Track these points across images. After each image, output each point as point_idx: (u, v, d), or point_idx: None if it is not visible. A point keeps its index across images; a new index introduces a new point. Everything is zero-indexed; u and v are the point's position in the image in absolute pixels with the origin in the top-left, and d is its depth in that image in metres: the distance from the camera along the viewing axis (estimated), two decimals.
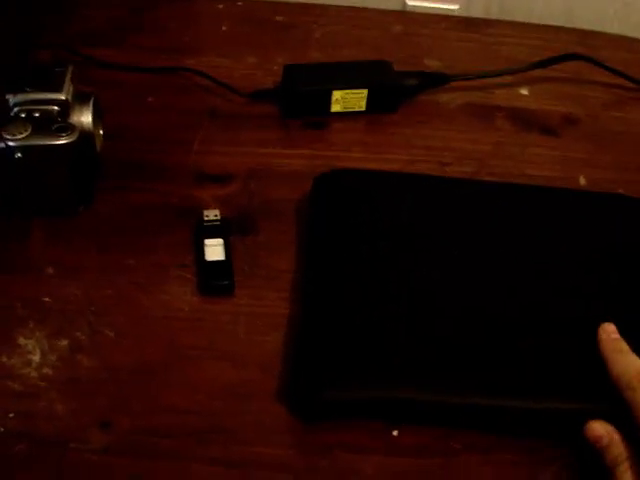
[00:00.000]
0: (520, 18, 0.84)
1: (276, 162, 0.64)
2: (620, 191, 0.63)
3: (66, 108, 0.55)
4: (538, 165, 0.66)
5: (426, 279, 0.53)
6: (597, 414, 0.47)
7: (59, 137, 0.53)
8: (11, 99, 0.55)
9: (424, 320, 0.51)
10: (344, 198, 0.58)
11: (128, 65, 0.70)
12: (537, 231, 0.57)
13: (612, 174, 0.66)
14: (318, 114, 0.68)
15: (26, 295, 0.53)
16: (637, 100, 0.74)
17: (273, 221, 0.59)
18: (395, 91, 0.69)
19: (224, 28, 0.77)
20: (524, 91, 0.73)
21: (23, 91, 0.55)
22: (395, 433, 0.48)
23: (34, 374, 0.49)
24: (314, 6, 0.81)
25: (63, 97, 0.55)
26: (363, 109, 0.68)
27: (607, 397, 0.47)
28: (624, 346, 0.49)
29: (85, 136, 0.56)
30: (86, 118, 0.57)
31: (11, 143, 0.53)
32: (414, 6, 0.84)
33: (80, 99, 0.57)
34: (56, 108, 0.55)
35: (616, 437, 0.45)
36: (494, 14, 0.84)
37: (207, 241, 0.56)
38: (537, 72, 0.73)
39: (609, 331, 0.50)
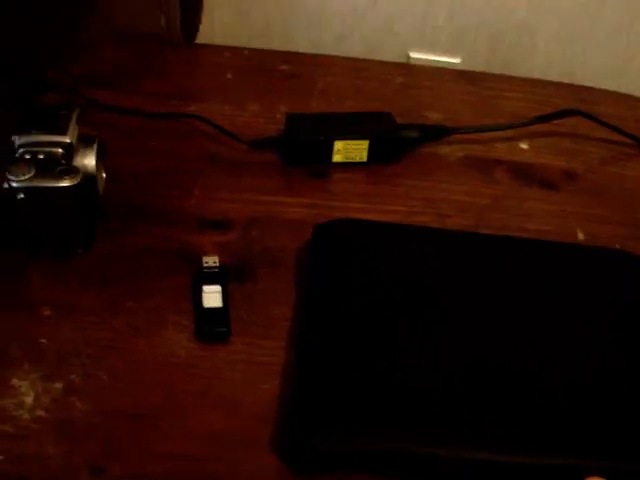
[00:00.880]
0: (521, 73, 0.85)
1: (276, 210, 0.64)
2: (617, 246, 0.63)
3: (70, 151, 0.56)
4: (537, 219, 0.66)
5: (423, 331, 0.53)
6: (594, 470, 0.46)
7: (62, 179, 0.53)
8: (17, 140, 0.55)
9: (420, 372, 0.51)
10: (343, 248, 0.58)
11: (132, 109, 0.70)
12: (535, 285, 0.57)
13: (610, 229, 0.66)
14: (320, 163, 0.68)
15: (22, 335, 0.53)
16: (634, 156, 0.75)
17: (272, 269, 0.59)
18: (396, 143, 0.70)
19: (229, 76, 0.78)
20: (524, 145, 0.74)
21: (28, 133, 0.55)
22: None
23: (26, 416, 0.49)
24: (318, 57, 0.82)
25: (68, 140, 0.56)
26: (364, 160, 0.69)
27: (604, 453, 0.47)
28: None
29: (88, 179, 0.56)
30: (89, 161, 0.57)
31: (14, 184, 0.53)
32: (417, 59, 0.86)
33: (84, 142, 0.57)
34: (60, 150, 0.55)
35: None
36: (495, 68, 0.86)
37: (205, 287, 0.56)
38: (537, 127, 0.74)
39: None
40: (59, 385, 0.50)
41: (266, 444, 0.49)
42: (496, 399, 0.50)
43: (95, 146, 0.58)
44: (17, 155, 0.55)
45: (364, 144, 0.68)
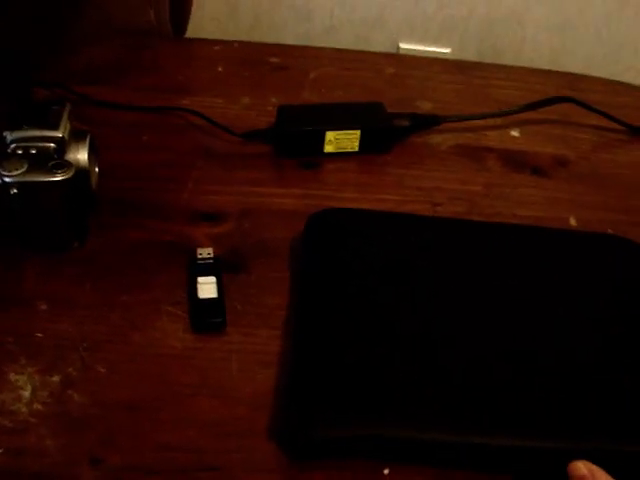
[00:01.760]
0: (511, 61, 0.85)
1: (269, 201, 0.64)
2: (609, 231, 0.64)
3: (62, 145, 0.56)
4: (529, 206, 0.67)
5: (417, 317, 0.53)
6: (582, 454, 0.47)
7: (55, 174, 0.54)
8: (8, 136, 0.55)
9: (415, 358, 0.51)
10: (337, 237, 0.58)
11: (124, 104, 0.71)
12: (528, 270, 0.57)
13: (601, 215, 0.66)
14: (311, 154, 0.69)
15: (18, 330, 0.53)
16: (625, 142, 0.75)
17: (265, 259, 0.59)
18: (387, 132, 0.70)
19: (220, 69, 0.78)
20: (515, 133, 0.74)
21: (20, 128, 0.55)
22: (386, 472, 0.48)
23: (24, 410, 0.49)
24: (309, 48, 0.82)
25: (60, 135, 0.56)
26: (356, 150, 0.69)
27: (593, 437, 0.48)
28: None
29: (81, 173, 0.56)
30: (82, 156, 0.57)
31: (7, 179, 0.53)
32: (407, 49, 0.86)
33: (76, 137, 0.57)
34: (53, 145, 0.55)
35: (599, 475, 0.45)
36: (485, 57, 0.86)
37: (200, 279, 0.56)
38: (528, 114, 0.74)
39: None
40: (56, 378, 0.51)
41: (263, 432, 0.49)
42: (491, 384, 0.50)
43: (87, 140, 0.58)
44: (9, 150, 0.55)
45: (355, 134, 0.68)
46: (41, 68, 0.73)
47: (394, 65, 0.81)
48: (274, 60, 0.79)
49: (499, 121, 0.74)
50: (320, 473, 0.47)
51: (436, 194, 0.66)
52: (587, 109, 0.75)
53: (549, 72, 0.83)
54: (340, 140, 0.68)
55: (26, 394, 0.50)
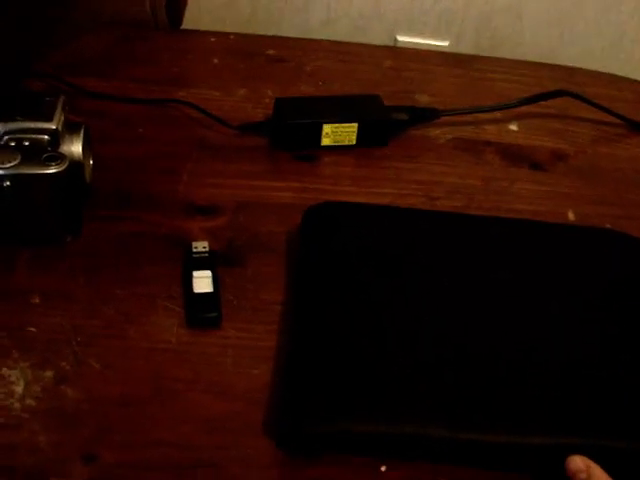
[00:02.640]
0: (509, 54, 0.85)
1: (265, 194, 0.64)
2: (608, 226, 0.64)
3: (56, 137, 0.55)
4: (527, 200, 0.66)
5: (415, 312, 0.53)
6: (578, 449, 0.47)
7: (49, 166, 0.53)
8: (1, 128, 0.54)
9: (412, 354, 0.50)
10: (334, 231, 0.58)
11: (119, 96, 0.70)
12: (525, 264, 0.57)
13: (600, 209, 0.66)
14: (308, 147, 0.68)
15: (11, 324, 0.52)
16: (623, 136, 0.75)
17: (261, 253, 0.59)
18: (385, 125, 0.69)
19: (215, 61, 0.77)
20: (513, 126, 0.74)
21: (13, 120, 0.55)
22: (383, 468, 0.47)
23: (17, 405, 0.48)
24: (306, 40, 0.82)
25: (54, 126, 0.55)
26: (353, 143, 0.68)
27: (588, 432, 0.47)
28: None
29: (75, 166, 0.56)
30: (76, 148, 0.57)
31: (0, 172, 0.52)
32: (404, 42, 0.85)
33: (70, 129, 0.57)
34: (46, 137, 0.55)
35: (595, 471, 0.45)
36: (483, 51, 0.86)
37: (195, 273, 0.55)
38: (526, 108, 0.74)
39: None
40: (49, 373, 0.50)
41: (259, 428, 0.48)
42: (487, 379, 0.50)
43: (82, 133, 0.57)
44: (2, 142, 0.54)
45: (353, 127, 0.68)
46: (32, 59, 0.72)
47: (392, 58, 0.81)
48: (271, 52, 0.79)
49: (497, 115, 0.74)
50: (315, 469, 0.47)
51: (434, 188, 0.66)
52: (586, 103, 0.74)
53: (547, 65, 0.83)
54: (337, 133, 0.68)
55: (19, 389, 0.49)
